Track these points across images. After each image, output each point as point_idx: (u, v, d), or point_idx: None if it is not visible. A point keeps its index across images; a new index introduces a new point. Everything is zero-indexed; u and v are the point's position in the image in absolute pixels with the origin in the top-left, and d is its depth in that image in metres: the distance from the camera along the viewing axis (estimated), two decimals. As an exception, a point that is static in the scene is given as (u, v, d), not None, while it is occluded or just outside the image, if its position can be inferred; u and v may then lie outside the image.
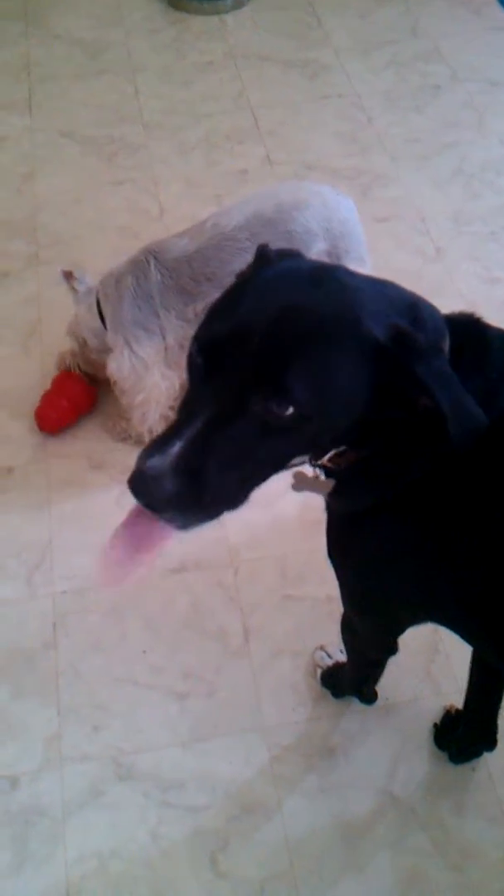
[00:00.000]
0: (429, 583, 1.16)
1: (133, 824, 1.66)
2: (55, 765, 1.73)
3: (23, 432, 2.26)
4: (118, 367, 2.07)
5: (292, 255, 1.04)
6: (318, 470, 1.11)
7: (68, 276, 2.13)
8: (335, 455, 1.05)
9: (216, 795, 1.70)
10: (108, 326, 2.08)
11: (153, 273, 2.00)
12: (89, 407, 2.27)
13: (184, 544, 1.99)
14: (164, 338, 2.05)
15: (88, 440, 2.23)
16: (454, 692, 1.79)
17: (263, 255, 1.03)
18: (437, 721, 1.76)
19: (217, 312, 0.96)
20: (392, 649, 1.47)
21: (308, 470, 1.12)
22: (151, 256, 2.01)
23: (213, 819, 1.67)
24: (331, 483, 1.12)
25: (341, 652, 1.77)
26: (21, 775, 1.72)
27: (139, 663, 1.87)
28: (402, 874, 1.61)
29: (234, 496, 0.95)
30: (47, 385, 2.29)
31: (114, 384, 2.13)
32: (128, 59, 3.44)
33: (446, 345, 1.00)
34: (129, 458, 1.21)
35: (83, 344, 2.19)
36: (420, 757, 1.74)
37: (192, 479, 0.89)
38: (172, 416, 1.41)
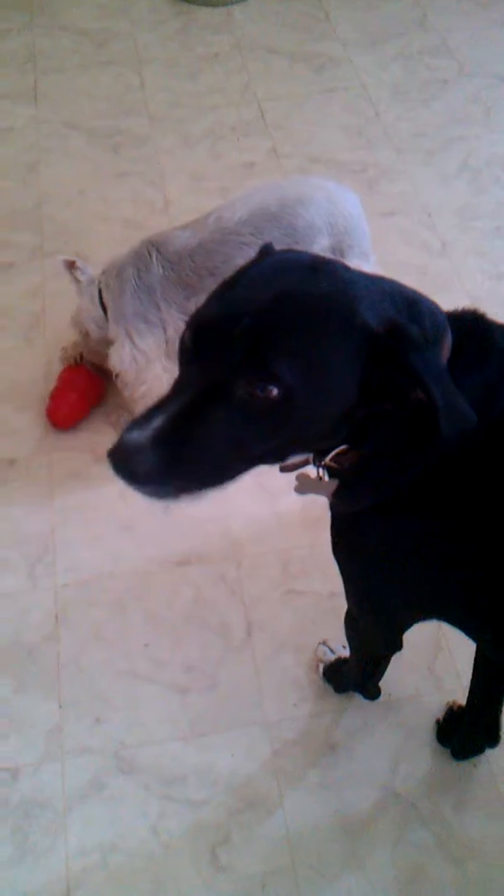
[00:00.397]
0: (433, 581, 1.16)
1: (134, 818, 1.66)
2: (56, 757, 1.73)
3: (26, 424, 2.26)
4: (120, 358, 2.07)
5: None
6: (321, 471, 1.10)
7: (71, 265, 2.12)
8: (337, 455, 1.04)
9: (217, 789, 1.69)
10: (109, 318, 2.08)
11: (155, 265, 2.00)
12: (99, 397, 2.27)
13: (187, 538, 2.02)
14: (165, 330, 2.04)
15: (92, 432, 2.22)
16: (457, 688, 1.79)
17: (266, 251, 1.04)
18: (440, 717, 1.76)
19: (212, 297, 0.96)
20: (396, 646, 1.47)
21: (311, 471, 1.12)
22: (153, 248, 2.01)
23: (215, 813, 1.67)
24: (334, 483, 1.11)
25: (344, 647, 1.77)
26: (22, 767, 1.72)
27: (141, 657, 1.86)
28: (403, 870, 1.61)
29: (216, 476, 0.95)
30: (51, 377, 2.29)
31: (116, 376, 2.12)
32: (134, 51, 3.42)
33: (448, 341, 0.99)
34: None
35: (87, 335, 2.19)
36: (422, 753, 1.74)
37: (171, 454, 0.89)
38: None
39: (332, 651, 1.81)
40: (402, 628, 1.40)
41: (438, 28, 3.54)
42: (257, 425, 0.90)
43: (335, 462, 1.06)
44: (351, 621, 1.50)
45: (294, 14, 3.60)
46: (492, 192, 2.88)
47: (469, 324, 1.03)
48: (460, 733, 1.71)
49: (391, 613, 1.34)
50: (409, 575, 1.17)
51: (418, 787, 1.69)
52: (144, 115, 3.15)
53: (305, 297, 0.91)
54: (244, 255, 1.91)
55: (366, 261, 2.09)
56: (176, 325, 2.04)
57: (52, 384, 2.27)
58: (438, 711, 1.77)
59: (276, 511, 2.08)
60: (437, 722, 1.76)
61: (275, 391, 0.87)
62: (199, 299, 1.96)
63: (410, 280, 1.01)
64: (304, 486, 1.15)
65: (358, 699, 1.78)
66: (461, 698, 1.71)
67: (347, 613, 1.49)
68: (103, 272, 2.10)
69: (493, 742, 1.69)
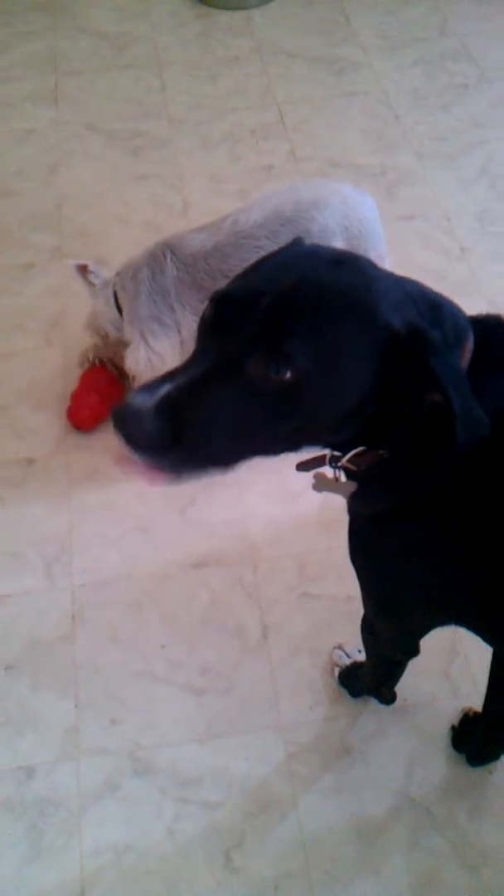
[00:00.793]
0: (451, 585, 1.15)
1: (149, 819, 1.67)
2: (72, 757, 1.73)
3: (44, 424, 2.27)
4: (135, 360, 2.07)
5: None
6: (339, 472, 1.10)
7: (83, 270, 2.13)
8: (354, 456, 1.04)
9: (232, 792, 1.69)
10: (124, 319, 2.08)
11: (169, 267, 2.00)
12: (120, 399, 2.27)
13: (204, 540, 2.02)
14: (179, 332, 2.05)
15: (110, 433, 2.20)
16: (473, 694, 1.79)
17: (296, 242, 1.04)
18: (455, 723, 1.76)
19: (237, 277, 0.97)
20: (413, 651, 1.46)
21: (329, 471, 1.11)
22: (168, 250, 2.01)
23: (229, 815, 1.67)
24: (352, 485, 1.11)
25: (359, 651, 1.77)
26: (38, 766, 1.73)
27: (157, 658, 1.87)
28: (417, 876, 1.60)
29: (219, 456, 0.94)
30: (70, 377, 2.30)
31: (132, 378, 2.13)
32: (154, 54, 3.44)
33: (469, 345, 0.99)
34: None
35: (105, 336, 2.19)
36: (437, 758, 1.73)
37: (173, 423, 0.89)
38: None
39: (347, 655, 1.81)
40: (419, 633, 1.39)
41: (459, 33, 3.54)
42: (265, 407, 0.90)
43: (352, 463, 1.05)
44: (367, 626, 1.50)
45: (314, 18, 3.61)
46: (511, 197, 2.87)
47: (492, 328, 1.03)
48: (476, 739, 1.71)
49: (408, 618, 1.34)
50: (427, 579, 1.17)
51: (433, 792, 1.69)
52: (164, 118, 3.16)
53: (327, 286, 0.91)
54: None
55: (381, 265, 2.08)
56: (190, 327, 2.04)
57: (71, 384, 2.28)
58: (454, 717, 1.77)
59: (293, 514, 2.09)
60: (453, 727, 1.75)
61: (286, 374, 0.87)
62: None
63: (429, 285, 1.00)
64: (321, 485, 1.14)
65: (373, 703, 1.78)
66: (477, 704, 1.71)
67: (364, 618, 1.49)
68: (117, 274, 2.11)
69: (509, 749, 1.69)
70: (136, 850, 1.63)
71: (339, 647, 1.83)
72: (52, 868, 1.61)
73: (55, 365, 2.39)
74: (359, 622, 1.51)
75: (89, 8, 3.66)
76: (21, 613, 1.94)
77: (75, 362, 2.32)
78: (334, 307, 0.90)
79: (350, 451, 1.03)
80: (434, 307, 0.96)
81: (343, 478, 1.10)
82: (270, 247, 1.93)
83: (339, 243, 2.00)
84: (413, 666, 1.60)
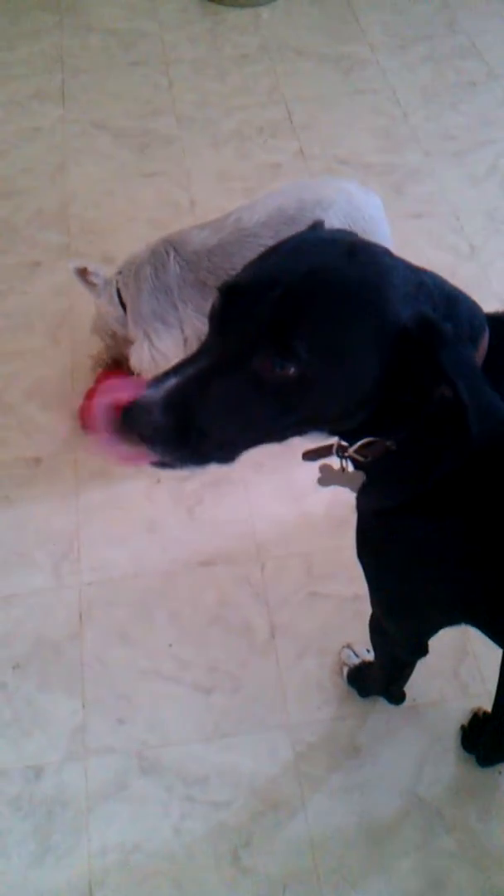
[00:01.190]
0: (460, 585, 1.14)
1: (156, 818, 1.66)
2: (79, 756, 1.73)
3: (51, 423, 2.26)
4: (139, 359, 2.07)
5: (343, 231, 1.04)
6: (346, 462, 1.09)
7: (82, 272, 2.11)
8: (361, 447, 1.03)
9: (240, 792, 1.69)
10: (128, 317, 2.08)
11: (172, 265, 1.99)
12: None
13: (212, 539, 2.01)
14: (182, 330, 2.04)
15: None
16: (482, 694, 1.78)
17: (315, 227, 1.04)
18: (465, 723, 1.75)
19: (248, 265, 0.96)
20: (422, 651, 1.45)
21: (335, 462, 1.11)
22: (171, 248, 2.00)
23: (237, 815, 1.66)
24: (360, 476, 1.10)
25: (368, 651, 1.76)
26: (45, 766, 1.72)
27: (165, 657, 1.86)
28: (426, 877, 1.59)
29: (225, 447, 0.94)
30: (77, 376, 2.29)
31: (137, 376, 2.12)
32: (161, 51, 3.43)
33: (485, 341, 0.98)
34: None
35: (114, 335, 2.19)
36: (447, 759, 1.72)
37: (181, 416, 0.89)
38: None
39: (356, 655, 1.80)
40: (428, 633, 1.38)
41: (467, 30, 3.52)
42: (271, 400, 0.90)
43: (359, 453, 1.05)
44: (376, 625, 1.49)
45: (322, 16, 3.60)
46: (520, 195, 2.86)
47: None
48: (486, 740, 1.70)
49: (416, 617, 1.33)
50: (436, 577, 1.16)
51: (443, 793, 1.68)
52: (172, 116, 3.16)
53: (338, 277, 0.90)
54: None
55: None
56: (193, 325, 2.03)
57: (78, 383, 2.28)
58: (464, 717, 1.76)
59: (301, 512, 2.08)
60: (462, 728, 1.74)
61: (292, 369, 0.87)
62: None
63: (441, 282, 0.99)
64: (327, 478, 1.14)
65: (382, 703, 1.77)
66: (487, 704, 1.70)
67: (372, 617, 1.48)
68: (119, 271, 2.10)
69: (519, 750, 1.68)
70: (144, 849, 1.63)
71: (348, 647, 1.82)
72: (59, 867, 1.61)
73: (62, 364, 2.38)
74: (367, 621, 1.51)
75: (96, 6, 3.66)
76: (28, 612, 1.93)
77: (85, 362, 2.31)
78: (344, 302, 0.89)
79: (358, 440, 1.03)
80: (450, 300, 0.95)
81: (350, 468, 1.09)
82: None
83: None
84: (422, 666, 1.59)
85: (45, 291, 2.57)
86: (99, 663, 1.85)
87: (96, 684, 1.82)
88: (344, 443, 1.05)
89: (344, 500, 1.19)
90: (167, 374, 0.91)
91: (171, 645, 1.88)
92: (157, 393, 0.89)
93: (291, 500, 2.10)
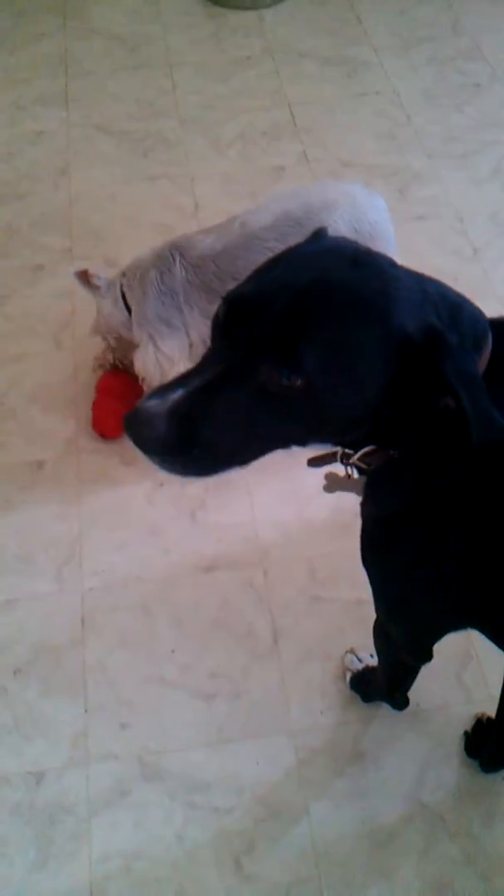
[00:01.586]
0: (464, 590, 1.14)
1: (158, 825, 1.65)
2: (81, 762, 1.72)
3: (54, 427, 2.26)
4: (143, 362, 2.07)
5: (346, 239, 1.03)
6: (350, 469, 1.09)
7: (84, 277, 2.11)
8: (365, 454, 1.03)
9: (242, 798, 1.68)
10: (133, 320, 2.08)
11: (178, 269, 1.99)
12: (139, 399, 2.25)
13: (214, 543, 2.01)
14: (188, 334, 2.04)
15: (120, 436, 2.22)
16: (486, 700, 1.77)
17: (318, 234, 1.03)
18: (469, 729, 1.74)
19: (253, 275, 0.96)
20: (426, 656, 1.45)
21: (340, 469, 1.10)
22: (176, 252, 2.00)
23: (239, 821, 1.65)
24: (363, 480, 1.10)
25: (371, 656, 1.75)
26: (47, 772, 1.72)
27: (167, 662, 1.85)
28: (429, 883, 1.58)
29: (229, 457, 0.94)
30: (80, 379, 2.29)
31: (141, 380, 2.12)
32: (165, 54, 3.43)
33: (488, 349, 0.97)
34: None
35: (118, 338, 2.18)
36: (450, 765, 1.71)
37: (185, 428, 0.89)
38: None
39: (359, 660, 1.79)
40: (433, 638, 1.38)
41: (471, 32, 3.51)
42: (275, 412, 0.89)
43: (363, 461, 1.04)
44: (380, 630, 1.49)
45: (326, 18, 3.59)
46: (525, 197, 2.85)
47: None
48: (489, 746, 1.69)
49: (420, 622, 1.32)
50: (441, 584, 1.15)
51: (446, 799, 1.67)
52: (175, 119, 3.16)
53: (343, 290, 0.89)
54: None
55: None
56: (198, 329, 2.03)
57: (81, 387, 2.27)
58: (467, 723, 1.75)
59: (304, 517, 2.07)
60: (466, 733, 1.73)
61: (297, 381, 0.86)
62: (222, 304, 1.97)
63: (444, 286, 0.99)
64: (332, 485, 1.14)
65: (385, 709, 1.76)
66: (491, 710, 1.68)
67: (376, 622, 1.47)
68: (124, 274, 2.10)
69: (523, 756, 1.67)
70: (146, 856, 1.62)
71: (351, 652, 1.81)
72: (61, 874, 1.60)
73: (65, 367, 2.38)
74: (371, 626, 1.50)
75: (100, 9, 3.66)
76: (30, 617, 1.93)
77: (87, 365, 2.31)
78: (349, 313, 0.88)
79: (361, 449, 1.02)
80: (454, 308, 0.95)
81: (356, 474, 1.09)
82: (279, 249, 1.91)
83: (348, 245, 1.99)
84: (426, 671, 1.58)
85: (47, 295, 2.57)
86: (101, 668, 1.84)
87: (98, 690, 1.81)
88: (348, 450, 1.05)
89: (347, 505, 1.18)
90: (173, 385, 0.91)
91: (173, 650, 1.87)
92: (163, 404, 0.89)
93: (294, 504, 2.09)
